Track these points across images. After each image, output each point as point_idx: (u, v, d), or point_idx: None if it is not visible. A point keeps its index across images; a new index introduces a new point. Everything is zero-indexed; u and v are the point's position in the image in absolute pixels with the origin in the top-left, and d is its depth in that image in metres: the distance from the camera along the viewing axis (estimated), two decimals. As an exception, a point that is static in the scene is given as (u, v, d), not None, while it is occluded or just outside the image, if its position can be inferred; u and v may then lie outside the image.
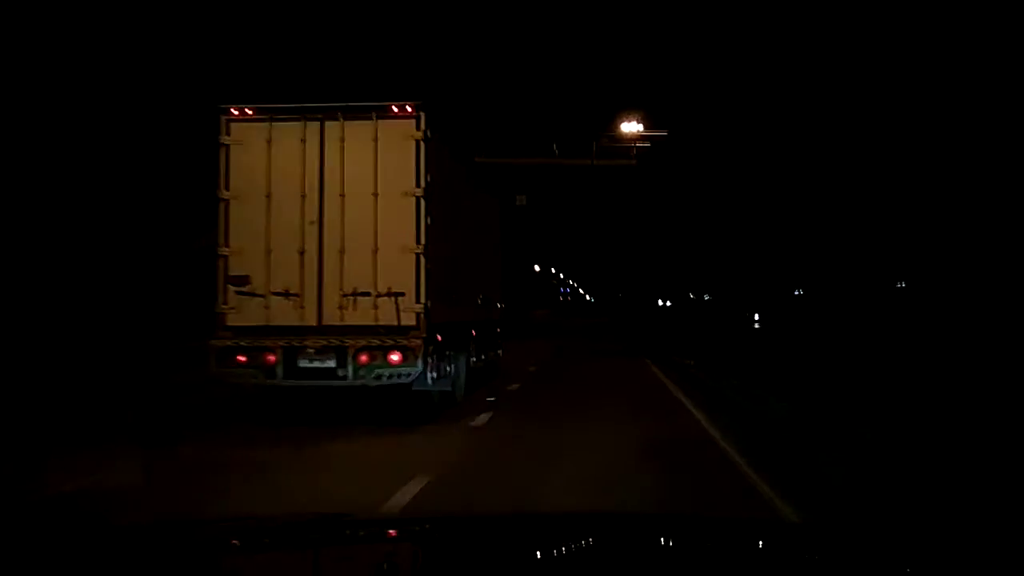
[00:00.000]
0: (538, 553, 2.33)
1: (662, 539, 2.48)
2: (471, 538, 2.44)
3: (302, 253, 9.56)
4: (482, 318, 14.34)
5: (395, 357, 9.29)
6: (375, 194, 9.52)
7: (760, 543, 2.47)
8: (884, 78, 25.94)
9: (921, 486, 6.18)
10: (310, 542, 2.30)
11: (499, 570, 2.12)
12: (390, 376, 9.31)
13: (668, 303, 74.16)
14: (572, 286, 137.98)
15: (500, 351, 17.22)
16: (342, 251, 9.52)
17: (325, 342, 9.40)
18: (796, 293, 48.14)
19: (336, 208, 9.57)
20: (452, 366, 11.19)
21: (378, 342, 9.32)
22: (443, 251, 10.64)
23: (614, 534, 2.47)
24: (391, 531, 2.73)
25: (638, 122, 28.30)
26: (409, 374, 9.35)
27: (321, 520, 2.58)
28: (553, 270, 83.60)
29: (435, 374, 9.92)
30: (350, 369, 9.33)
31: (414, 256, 9.44)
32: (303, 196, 9.61)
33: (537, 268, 60.85)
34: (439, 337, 10.19)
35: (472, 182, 13.22)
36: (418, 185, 9.52)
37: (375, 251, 9.48)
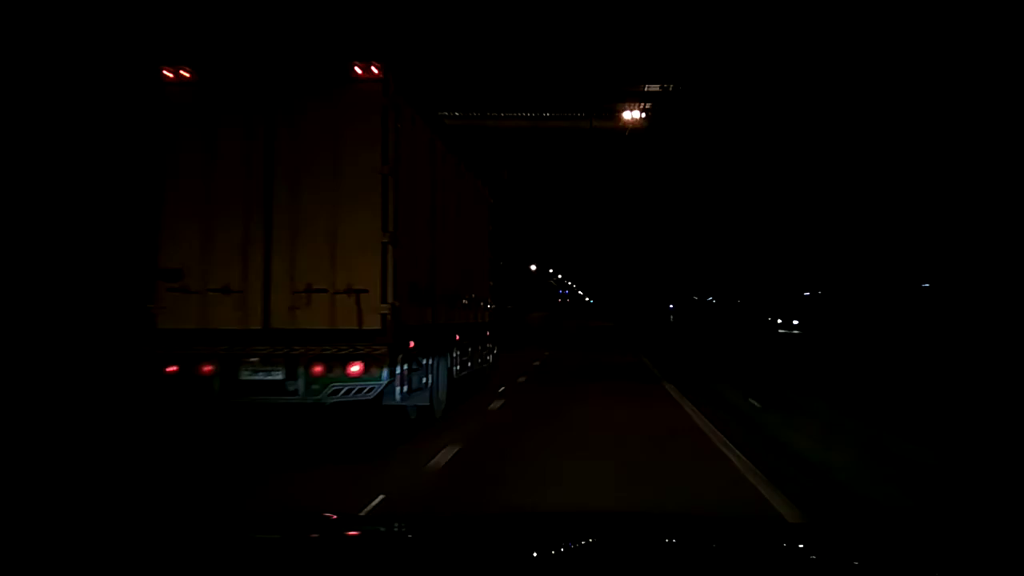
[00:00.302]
0: (538, 552, 2.27)
1: (664, 539, 2.47)
2: (471, 537, 2.43)
3: (246, 242, 8.18)
4: (468, 320, 12.97)
5: (355, 368, 7.90)
6: (334, 172, 8.14)
7: (761, 543, 2.43)
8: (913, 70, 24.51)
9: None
10: (299, 541, 2.26)
11: (500, 569, 2.08)
12: (349, 391, 7.93)
13: (672, 305, 72.19)
14: (571, 287, 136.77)
15: (491, 357, 15.85)
16: (294, 240, 8.13)
17: (271, 350, 8.01)
18: (806, 294, 46.67)
19: (287, 188, 8.18)
20: (429, 377, 9.82)
21: (334, 350, 7.93)
22: (417, 241, 9.28)
23: (615, 534, 2.46)
24: (388, 529, 2.64)
25: (639, 104, 25.87)
26: (372, 388, 7.97)
27: (311, 519, 2.55)
28: (551, 270, 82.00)
29: (406, 388, 8.54)
30: (301, 383, 7.94)
31: (379, 246, 8.05)
32: (248, 174, 8.23)
33: (533, 268, 59.34)
34: (411, 343, 8.82)
35: (456, 161, 11.83)
36: (385, 161, 8.13)
37: (333, 240, 8.08)
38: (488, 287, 15.53)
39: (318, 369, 7.91)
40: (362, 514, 5.49)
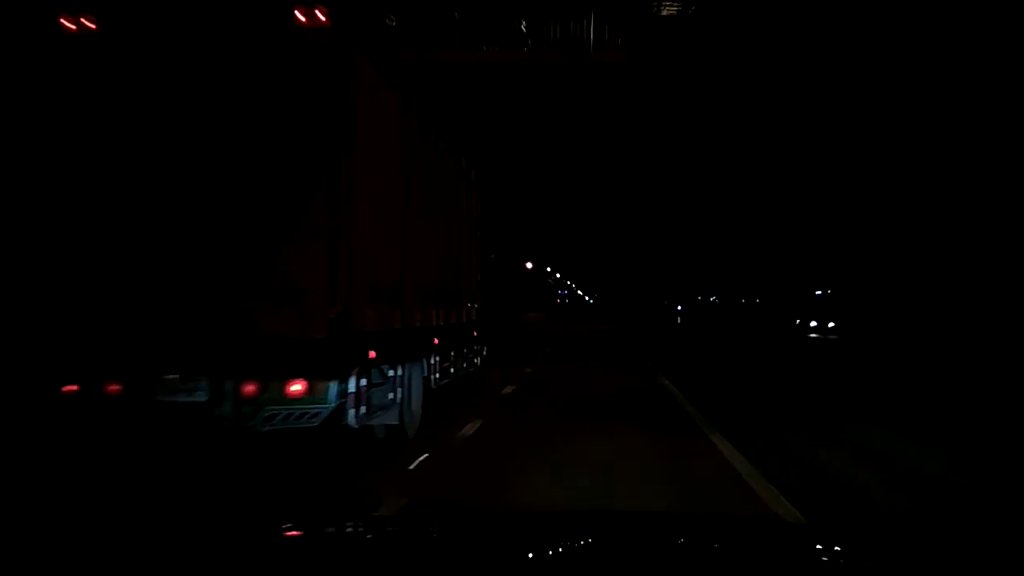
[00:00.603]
0: (538, 552, 2.21)
1: (663, 537, 2.42)
2: (471, 535, 2.41)
3: (163, 232, 6.74)
4: (450, 321, 11.54)
5: (296, 387, 6.47)
6: (271, 144, 6.70)
7: (763, 543, 2.39)
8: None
9: None
10: (294, 539, 2.24)
11: (499, 568, 2.05)
12: (288, 415, 6.50)
13: (680, 306, 70.38)
14: (570, 287, 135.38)
15: (478, 359, 14.43)
16: (222, 228, 6.70)
17: (193, 364, 6.58)
18: (818, 293, 45.14)
19: (215, 165, 6.75)
20: (399, 391, 8.39)
21: (270, 364, 6.50)
22: (381, 229, 7.87)
23: (614, 532, 2.44)
24: (386, 529, 2.57)
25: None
26: (317, 412, 6.54)
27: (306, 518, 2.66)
28: (548, 268, 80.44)
29: (363, 408, 7.11)
30: (229, 405, 6.51)
31: (327, 237, 6.61)
32: (166, 147, 6.80)
33: (529, 265, 57.81)
34: (372, 353, 7.39)
35: (434, 136, 10.38)
36: (334, 130, 6.70)
37: (271, 229, 6.65)
38: (475, 282, 14.10)
39: (250, 388, 6.47)
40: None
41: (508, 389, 14.45)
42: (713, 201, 42.38)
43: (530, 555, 2.18)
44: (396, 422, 8.51)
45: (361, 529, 2.45)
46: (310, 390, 6.44)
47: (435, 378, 10.44)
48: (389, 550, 2.19)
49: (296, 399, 6.44)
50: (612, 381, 16.40)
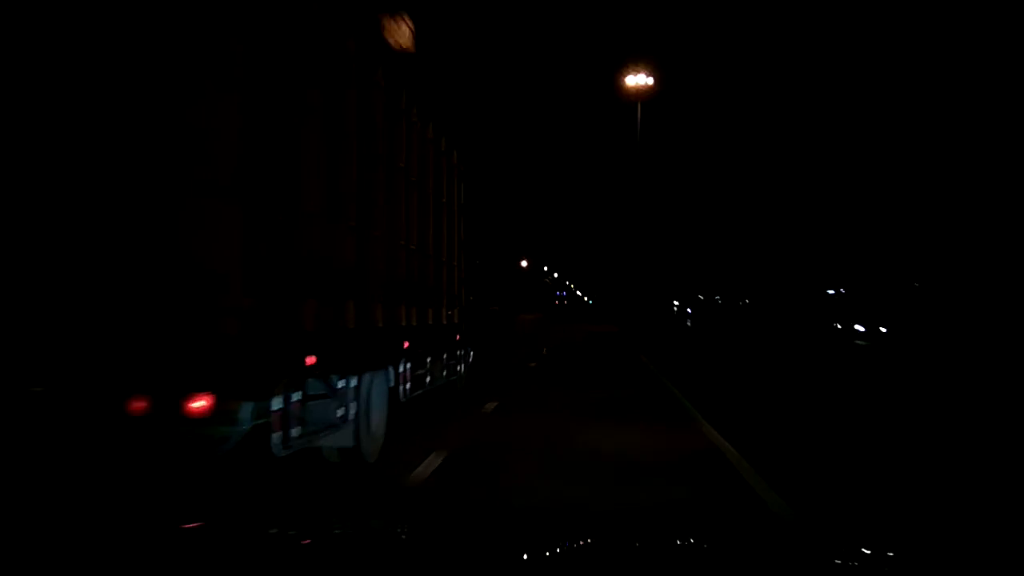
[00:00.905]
0: (532, 552, 2.19)
1: (655, 535, 2.43)
2: (463, 536, 2.41)
3: (22, 203, 5.24)
4: (426, 322, 10.06)
5: (199, 403, 4.96)
6: (165, 85, 5.19)
7: (756, 539, 2.45)
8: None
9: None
10: (292, 541, 2.22)
11: (491, 569, 2.03)
12: (188, 440, 5.00)
13: (689, 308, 68.34)
14: (568, 287, 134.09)
15: (461, 367, 12.96)
16: (100, 193, 5.18)
17: (63, 375, 5.08)
18: (830, 293, 43.73)
19: (90, 106, 5.24)
20: (351, 407, 6.89)
21: (163, 374, 5.00)
22: (322, 199, 6.36)
23: (607, 530, 2.46)
24: (380, 532, 2.51)
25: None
26: (226, 437, 5.04)
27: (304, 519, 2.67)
28: (546, 268, 78.97)
29: (297, 428, 5.61)
30: (110, 426, 5.01)
31: (238, 197, 5.10)
32: (25, 83, 5.29)
33: (525, 263, 56.24)
34: (310, 358, 5.90)
35: (401, 98, 8.88)
36: (237, 68, 5.19)
37: (164, 192, 5.14)
38: (459, 279, 12.60)
39: (138, 406, 4.96)
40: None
41: (431, 463, 7.61)
42: (717, 197, 41.02)
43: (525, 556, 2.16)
44: (349, 444, 7.03)
45: (362, 531, 2.43)
46: (217, 407, 4.94)
47: (405, 389, 8.94)
48: (387, 552, 2.15)
49: (199, 419, 4.93)
50: (621, 437, 9.46)
